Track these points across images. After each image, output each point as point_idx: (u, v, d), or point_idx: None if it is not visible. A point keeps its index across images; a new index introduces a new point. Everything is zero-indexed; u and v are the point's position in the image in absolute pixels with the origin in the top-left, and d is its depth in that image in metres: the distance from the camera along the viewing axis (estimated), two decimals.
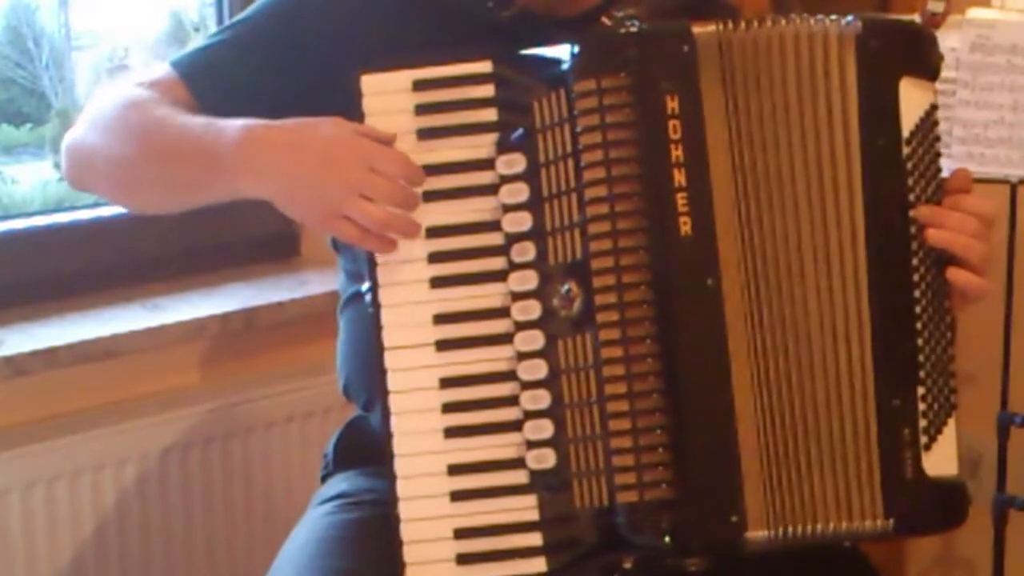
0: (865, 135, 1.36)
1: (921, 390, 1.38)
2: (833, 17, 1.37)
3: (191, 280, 2.28)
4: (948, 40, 2.31)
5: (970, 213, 1.39)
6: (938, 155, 1.39)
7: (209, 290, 2.27)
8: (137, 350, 2.10)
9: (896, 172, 1.37)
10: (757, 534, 1.34)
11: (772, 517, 1.35)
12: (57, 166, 2.23)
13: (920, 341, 1.38)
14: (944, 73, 2.29)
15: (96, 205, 2.21)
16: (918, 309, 1.38)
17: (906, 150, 1.37)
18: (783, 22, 1.36)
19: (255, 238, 2.20)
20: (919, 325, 1.38)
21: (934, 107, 1.39)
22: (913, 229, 1.37)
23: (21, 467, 1.96)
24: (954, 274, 1.38)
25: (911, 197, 1.37)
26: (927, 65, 1.39)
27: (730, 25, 1.35)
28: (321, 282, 2.26)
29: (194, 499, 2.15)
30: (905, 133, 1.37)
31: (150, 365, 2.14)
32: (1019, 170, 2.31)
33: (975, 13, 2.34)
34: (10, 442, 1.97)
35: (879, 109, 1.37)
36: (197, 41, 1.62)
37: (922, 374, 1.38)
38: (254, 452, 2.21)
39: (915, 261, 1.38)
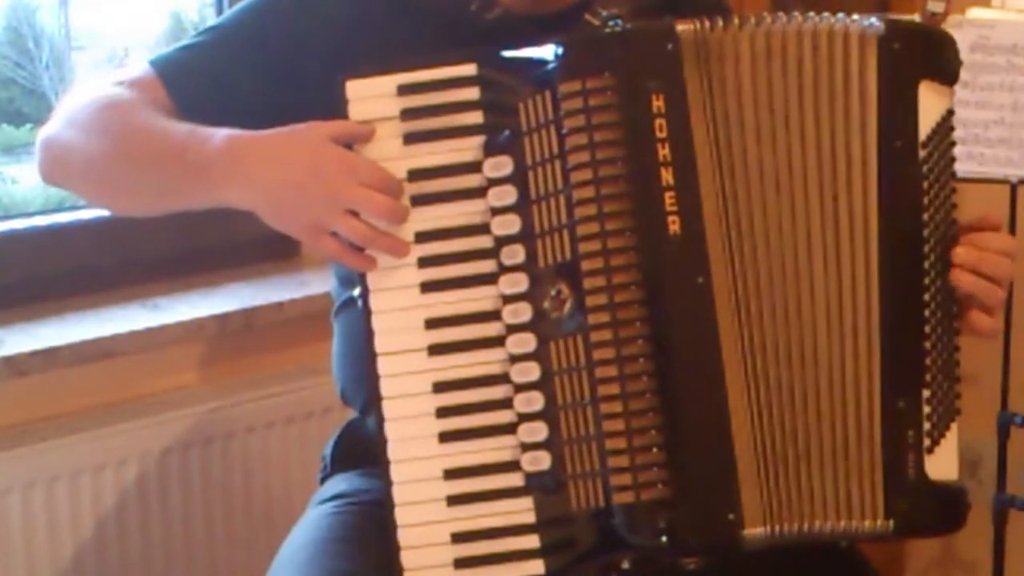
0: (883, 135, 1.36)
1: (926, 393, 1.38)
2: (855, 17, 1.36)
3: (191, 280, 2.29)
4: None
5: (999, 253, 1.39)
6: (953, 160, 1.39)
7: (209, 290, 2.27)
8: (137, 350, 2.10)
9: (912, 175, 1.36)
10: (754, 531, 1.34)
11: (769, 514, 1.34)
12: None
13: (927, 344, 1.37)
14: None
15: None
16: (927, 312, 1.37)
17: (922, 153, 1.37)
18: (770, 20, 1.35)
19: (255, 238, 2.19)
20: (927, 328, 1.37)
21: (951, 112, 1.38)
22: (926, 232, 1.37)
23: (21, 467, 1.96)
24: (974, 316, 1.40)
25: (924, 200, 1.37)
26: (947, 70, 1.38)
27: (708, 24, 1.34)
28: (321, 282, 2.25)
29: (194, 499, 2.15)
30: (922, 137, 1.37)
31: (150, 365, 2.14)
32: (1019, 170, 2.31)
33: (975, 13, 2.34)
34: (10, 442, 1.97)
35: (898, 111, 1.36)
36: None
37: (928, 377, 1.38)
38: (254, 452, 2.20)
39: (926, 264, 1.37)
